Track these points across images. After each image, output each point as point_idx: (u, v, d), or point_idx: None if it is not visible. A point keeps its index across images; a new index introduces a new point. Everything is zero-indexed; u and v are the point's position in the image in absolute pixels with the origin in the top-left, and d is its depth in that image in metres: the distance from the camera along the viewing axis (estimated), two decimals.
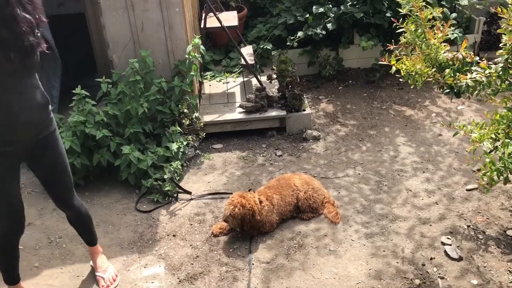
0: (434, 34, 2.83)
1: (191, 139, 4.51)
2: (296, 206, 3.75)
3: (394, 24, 3.01)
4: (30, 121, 2.60)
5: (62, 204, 3.08)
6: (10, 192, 2.78)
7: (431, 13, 2.84)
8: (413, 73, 2.80)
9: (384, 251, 3.39)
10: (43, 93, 2.66)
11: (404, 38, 2.95)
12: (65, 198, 3.03)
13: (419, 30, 2.86)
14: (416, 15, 2.87)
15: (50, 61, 4.51)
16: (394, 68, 2.89)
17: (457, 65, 2.74)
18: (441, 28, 2.84)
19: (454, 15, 5.59)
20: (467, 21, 6.16)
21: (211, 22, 5.07)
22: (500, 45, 2.78)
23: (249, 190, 3.69)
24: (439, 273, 3.19)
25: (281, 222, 3.72)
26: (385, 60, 2.88)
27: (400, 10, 3.01)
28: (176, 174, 4.14)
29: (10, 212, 2.83)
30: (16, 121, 2.54)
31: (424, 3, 2.92)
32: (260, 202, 3.57)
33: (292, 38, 5.68)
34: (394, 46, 3.01)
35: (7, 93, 2.49)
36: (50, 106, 2.73)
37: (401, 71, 2.87)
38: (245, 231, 3.57)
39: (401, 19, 3.03)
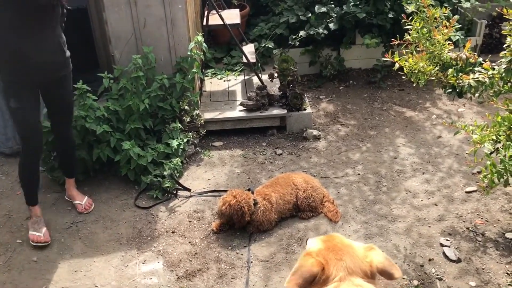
0: (439, 31, 2.84)
1: (191, 136, 4.51)
2: (296, 205, 3.75)
3: (403, 21, 3.01)
4: (44, 63, 3.31)
5: (61, 135, 3.76)
6: (31, 119, 3.39)
7: (437, 12, 2.85)
8: (415, 71, 2.80)
9: (382, 251, 3.38)
10: (60, 41, 3.40)
11: (409, 35, 2.95)
12: (65, 129, 3.75)
13: (425, 29, 2.86)
14: (424, 12, 2.88)
15: None
16: (397, 65, 2.89)
17: (460, 65, 2.74)
18: (447, 24, 2.84)
19: (456, 17, 5.58)
20: (469, 24, 6.16)
21: (213, 19, 5.06)
22: (504, 46, 2.78)
23: (248, 190, 3.69)
24: (438, 274, 3.19)
25: (280, 220, 3.72)
26: (388, 56, 2.88)
27: (406, 7, 3.02)
28: (176, 171, 4.13)
29: (32, 137, 3.42)
30: (29, 63, 3.24)
31: (431, 2, 2.93)
32: (256, 203, 3.57)
33: (294, 37, 5.67)
34: (399, 42, 3.01)
35: (25, 38, 3.18)
36: (67, 52, 3.47)
37: (404, 68, 2.87)
38: (243, 227, 3.60)
39: (409, 18, 3.04)
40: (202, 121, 4.64)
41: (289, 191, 3.74)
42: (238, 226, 3.60)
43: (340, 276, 1.80)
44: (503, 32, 2.87)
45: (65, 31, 3.52)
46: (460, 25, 5.72)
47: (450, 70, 2.76)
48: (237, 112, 4.88)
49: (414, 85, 2.99)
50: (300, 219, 3.74)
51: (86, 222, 3.79)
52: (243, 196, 3.55)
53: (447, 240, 3.46)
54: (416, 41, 2.91)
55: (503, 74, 2.70)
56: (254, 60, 5.24)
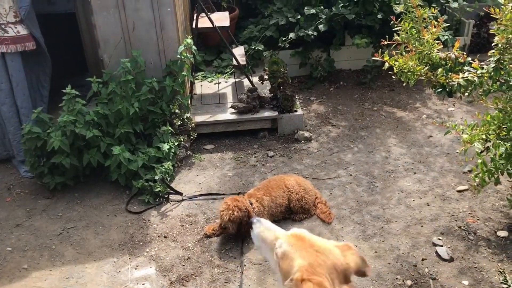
0: (428, 31, 2.86)
1: (182, 140, 4.49)
2: (288, 207, 3.74)
3: (392, 22, 3.02)
4: None
5: None
6: None
7: (426, 12, 2.87)
8: (405, 71, 2.81)
9: (375, 252, 3.39)
10: None
11: (398, 36, 2.96)
12: None
13: (414, 29, 2.88)
14: (413, 12, 2.89)
15: (40, 60, 4.46)
16: (387, 65, 2.90)
17: (449, 64, 2.75)
18: (436, 24, 2.86)
19: (444, 17, 5.63)
20: (457, 24, 6.20)
21: (203, 22, 5.04)
22: (492, 45, 2.80)
23: (238, 194, 3.67)
24: (431, 274, 3.19)
25: (272, 223, 3.70)
26: (377, 55, 2.89)
27: (395, 8, 3.03)
28: (167, 175, 4.11)
29: None
30: None
31: (420, 3, 2.95)
32: (251, 203, 3.57)
33: (283, 39, 5.68)
34: (388, 42, 3.01)
35: None
36: None
37: (394, 68, 2.88)
38: (241, 233, 3.54)
39: (398, 19, 3.05)
40: (193, 124, 4.62)
41: (281, 194, 3.73)
42: (245, 230, 3.48)
43: None
44: (491, 31, 2.89)
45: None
46: (448, 24, 5.78)
47: (440, 69, 2.77)
48: (228, 114, 4.86)
49: (404, 85, 3.00)
50: (293, 221, 3.73)
51: (77, 228, 3.75)
52: (241, 199, 3.54)
53: (439, 239, 3.46)
54: (405, 41, 2.92)
55: (492, 73, 2.72)
56: (245, 63, 5.24)
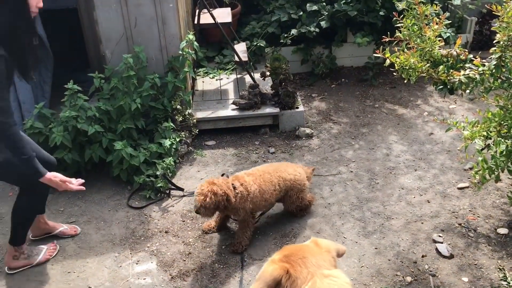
0: (429, 28, 2.86)
1: (184, 136, 4.50)
2: (274, 203, 3.59)
3: (394, 19, 3.02)
4: None
5: None
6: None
7: (428, 9, 2.87)
8: (407, 67, 2.81)
9: (376, 248, 3.40)
10: None
11: (400, 33, 2.96)
12: None
13: (416, 26, 2.88)
14: (415, 9, 2.89)
15: (42, 56, 4.46)
16: (388, 61, 2.90)
17: (451, 61, 2.75)
18: (437, 21, 2.86)
19: (446, 14, 5.62)
20: (459, 21, 6.20)
21: (205, 18, 5.05)
22: (494, 42, 2.80)
23: (222, 175, 3.40)
24: (431, 271, 3.20)
25: (273, 218, 3.71)
26: (379, 52, 2.89)
27: (397, 5, 3.03)
28: (168, 171, 4.12)
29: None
30: None
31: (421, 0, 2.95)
32: (234, 188, 3.27)
33: (285, 35, 5.68)
34: (390, 39, 3.02)
35: None
36: None
37: (395, 64, 2.88)
38: (222, 218, 3.57)
39: (400, 16, 3.05)
40: (195, 120, 4.63)
41: (271, 191, 3.44)
42: (223, 215, 3.51)
43: (311, 271, 1.91)
44: (492, 28, 2.89)
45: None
46: (450, 22, 5.77)
47: (441, 66, 2.77)
48: (230, 111, 4.87)
49: (405, 81, 3.00)
50: (294, 217, 3.73)
51: (78, 223, 3.77)
52: (220, 182, 3.21)
53: (439, 236, 3.47)
54: (407, 38, 2.92)
55: (493, 70, 2.72)
56: (246, 59, 5.24)
